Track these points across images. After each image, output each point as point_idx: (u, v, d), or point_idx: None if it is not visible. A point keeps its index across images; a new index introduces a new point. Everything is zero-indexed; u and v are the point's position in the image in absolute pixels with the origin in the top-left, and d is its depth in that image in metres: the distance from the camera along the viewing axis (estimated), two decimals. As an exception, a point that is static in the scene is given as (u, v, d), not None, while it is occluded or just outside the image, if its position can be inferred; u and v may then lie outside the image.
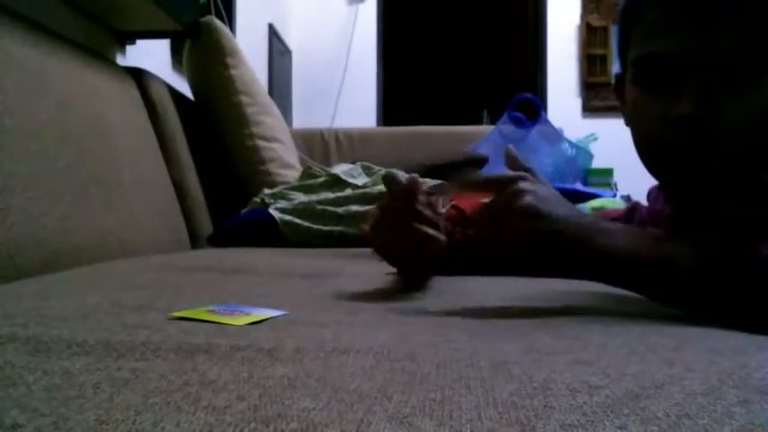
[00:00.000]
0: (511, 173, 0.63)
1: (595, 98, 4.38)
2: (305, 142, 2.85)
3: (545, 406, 0.32)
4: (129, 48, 1.83)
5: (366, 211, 1.55)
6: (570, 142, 3.10)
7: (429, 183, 0.72)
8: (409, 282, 0.79)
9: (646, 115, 0.69)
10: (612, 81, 0.83)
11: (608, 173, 2.96)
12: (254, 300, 0.65)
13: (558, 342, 0.47)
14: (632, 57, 0.71)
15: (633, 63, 0.70)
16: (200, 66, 2.01)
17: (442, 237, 0.73)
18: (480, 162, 2.46)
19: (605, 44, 4.37)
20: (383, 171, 1.81)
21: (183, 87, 2.06)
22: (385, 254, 0.75)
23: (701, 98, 0.63)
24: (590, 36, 4.38)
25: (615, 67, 4.52)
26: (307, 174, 1.86)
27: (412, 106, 5.83)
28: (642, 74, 0.70)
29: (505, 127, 3.07)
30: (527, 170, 0.64)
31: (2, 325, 0.47)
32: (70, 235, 1.04)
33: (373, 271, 0.87)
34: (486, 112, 4.99)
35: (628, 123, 0.75)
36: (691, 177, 0.67)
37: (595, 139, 3.41)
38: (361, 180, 1.76)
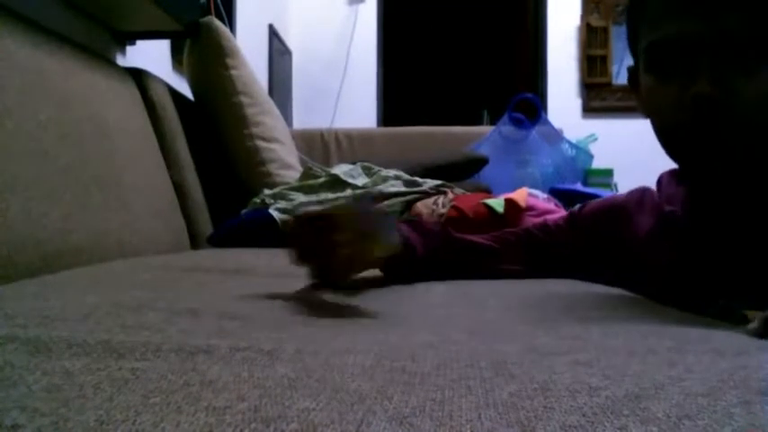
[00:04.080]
0: None
1: (595, 99, 4.38)
2: (305, 143, 2.85)
3: (545, 407, 0.32)
4: (129, 48, 1.83)
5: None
6: (570, 143, 3.10)
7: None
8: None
9: (662, 100, 0.69)
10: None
11: (608, 173, 2.96)
12: (254, 300, 0.65)
13: (558, 342, 0.47)
14: (642, 46, 0.71)
15: (644, 51, 0.71)
16: (201, 66, 2.01)
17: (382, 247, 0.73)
18: (480, 162, 2.46)
19: (605, 44, 4.37)
20: (383, 172, 1.81)
21: (183, 88, 2.06)
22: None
23: (715, 78, 0.64)
24: (590, 36, 4.38)
25: (615, 68, 4.53)
26: (307, 174, 1.86)
27: (412, 106, 5.83)
28: (653, 60, 0.70)
29: (505, 127, 3.07)
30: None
31: (2, 325, 0.47)
32: (70, 235, 1.04)
33: (373, 271, 0.87)
34: (486, 113, 4.99)
35: (646, 114, 0.75)
36: (710, 156, 0.67)
37: (595, 139, 3.41)
38: (361, 180, 1.76)
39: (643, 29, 0.71)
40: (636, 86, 0.77)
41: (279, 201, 1.67)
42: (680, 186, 0.81)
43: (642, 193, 0.89)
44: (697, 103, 0.64)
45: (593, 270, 0.88)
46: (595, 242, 0.89)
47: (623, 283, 0.81)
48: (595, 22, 4.40)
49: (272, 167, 2.00)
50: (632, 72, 0.78)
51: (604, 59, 4.37)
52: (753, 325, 0.51)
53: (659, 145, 0.73)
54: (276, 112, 2.27)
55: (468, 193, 1.82)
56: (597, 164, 3.07)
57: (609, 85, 4.35)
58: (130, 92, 1.56)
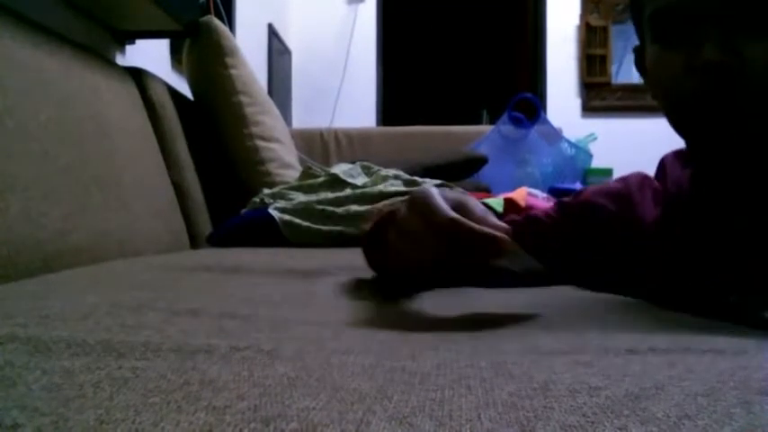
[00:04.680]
0: None
1: (595, 98, 4.39)
2: (304, 142, 2.85)
3: (545, 407, 0.32)
4: (128, 47, 1.83)
5: (367, 211, 1.55)
6: (569, 142, 3.10)
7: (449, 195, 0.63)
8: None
9: (669, 71, 0.65)
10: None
11: (607, 173, 2.97)
12: (254, 299, 0.65)
13: (558, 343, 0.47)
14: (646, 14, 0.68)
15: (648, 20, 0.67)
16: (200, 65, 2.01)
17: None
18: (479, 162, 2.46)
19: (605, 44, 4.37)
20: (383, 171, 1.81)
21: (183, 87, 2.06)
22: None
23: (725, 44, 0.60)
24: (589, 36, 4.39)
25: (615, 68, 4.53)
26: (306, 174, 1.86)
27: (411, 106, 5.83)
28: (659, 29, 0.66)
29: (505, 127, 3.07)
30: None
31: (1, 325, 0.47)
32: (70, 235, 1.04)
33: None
34: (485, 112, 5.00)
35: (652, 90, 0.71)
36: (722, 127, 0.63)
37: (595, 138, 3.42)
38: (360, 180, 1.76)
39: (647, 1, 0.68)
40: (643, 68, 0.73)
41: (278, 200, 1.67)
42: (686, 168, 0.77)
43: (642, 178, 0.84)
44: (706, 70, 0.61)
45: (585, 266, 0.82)
46: (590, 232, 0.82)
47: (620, 280, 0.77)
48: (595, 21, 4.40)
49: (272, 167, 2.00)
50: (639, 52, 0.74)
51: (604, 59, 4.37)
52: None
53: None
54: (276, 111, 2.27)
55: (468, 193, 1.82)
56: (596, 163, 3.08)
57: (608, 84, 4.35)
58: (130, 91, 1.56)
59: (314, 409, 0.31)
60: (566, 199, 0.89)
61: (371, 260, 0.79)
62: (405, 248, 0.60)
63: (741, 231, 0.68)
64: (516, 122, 3.08)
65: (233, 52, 2.01)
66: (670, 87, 0.66)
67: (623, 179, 0.86)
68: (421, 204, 0.59)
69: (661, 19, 0.66)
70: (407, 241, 0.60)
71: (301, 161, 2.27)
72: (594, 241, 0.81)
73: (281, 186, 1.79)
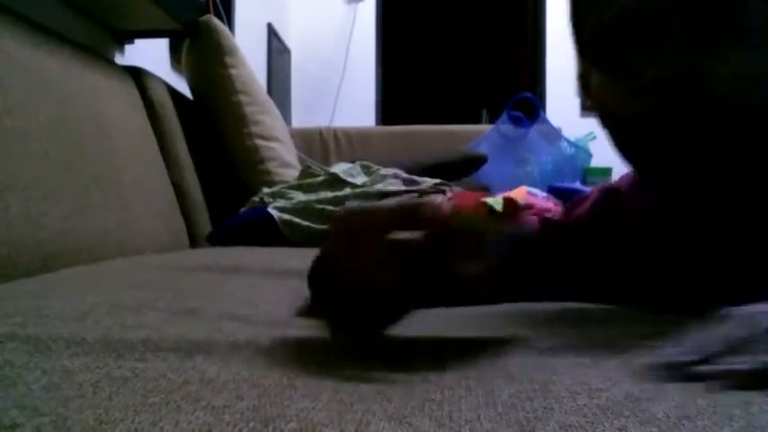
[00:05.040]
0: None
1: (594, 98, 4.38)
2: (304, 141, 2.85)
3: (545, 407, 0.32)
4: (127, 47, 1.83)
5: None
6: (569, 141, 3.10)
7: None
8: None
9: (614, 96, 0.56)
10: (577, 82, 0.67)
11: (606, 172, 2.96)
12: (254, 299, 0.65)
13: (559, 343, 0.47)
14: (587, 34, 0.58)
15: (589, 40, 0.58)
16: (200, 65, 2.01)
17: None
18: (479, 161, 2.46)
19: (604, 44, 4.37)
20: (382, 170, 1.81)
21: (182, 87, 2.05)
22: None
23: (676, 59, 0.51)
24: (589, 35, 4.38)
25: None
26: (306, 173, 1.86)
27: (411, 105, 5.83)
28: (600, 50, 0.57)
29: (504, 126, 3.07)
30: None
31: (1, 324, 0.47)
32: (70, 235, 1.03)
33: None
34: (484, 112, 4.99)
35: (602, 121, 0.60)
36: (681, 155, 0.54)
37: (594, 138, 3.41)
38: (360, 179, 1.76)
39: (586, 13, 0.59)
40: (589, 93, 0.62)
41: (278, 199, 1.67)
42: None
43: (634, 176, 0.77)
44: (655, 88, 0.52)
45: (579, 268, 0.76)
46: (586, 238, 0.76)
47: (614, 280, 0.72)
48: (595, 20, 4.40)
49: (272, 166, 2.00)
50: (583, 79, 0.63)
51: (604, 58, 4.37)
52: None
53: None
54: (275, 110, 2.27)
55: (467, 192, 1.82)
56: (596, 162, 3.08)
57: (608, 84, 4.35)
58: (130, 91, 1.55)
59: (313, 409, 0.31)
60: (554, 218, 0.81)
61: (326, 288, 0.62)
62: (372, 271, 0.46)
63: (718, 227, 0.63)
64: (516, 122, 3.08)
65: (232, 52, 2.01)
66: (618, 116, 0.57)
67: (610, 187, 0.80)
68: (357, 223, 0.46)
69: (603, 37, 0.56)
70: (371, 261, 0.46)
71: (301, 160, 2.27)
72: (590, 244, 0.76)
73: (281, 185, 1.79)
